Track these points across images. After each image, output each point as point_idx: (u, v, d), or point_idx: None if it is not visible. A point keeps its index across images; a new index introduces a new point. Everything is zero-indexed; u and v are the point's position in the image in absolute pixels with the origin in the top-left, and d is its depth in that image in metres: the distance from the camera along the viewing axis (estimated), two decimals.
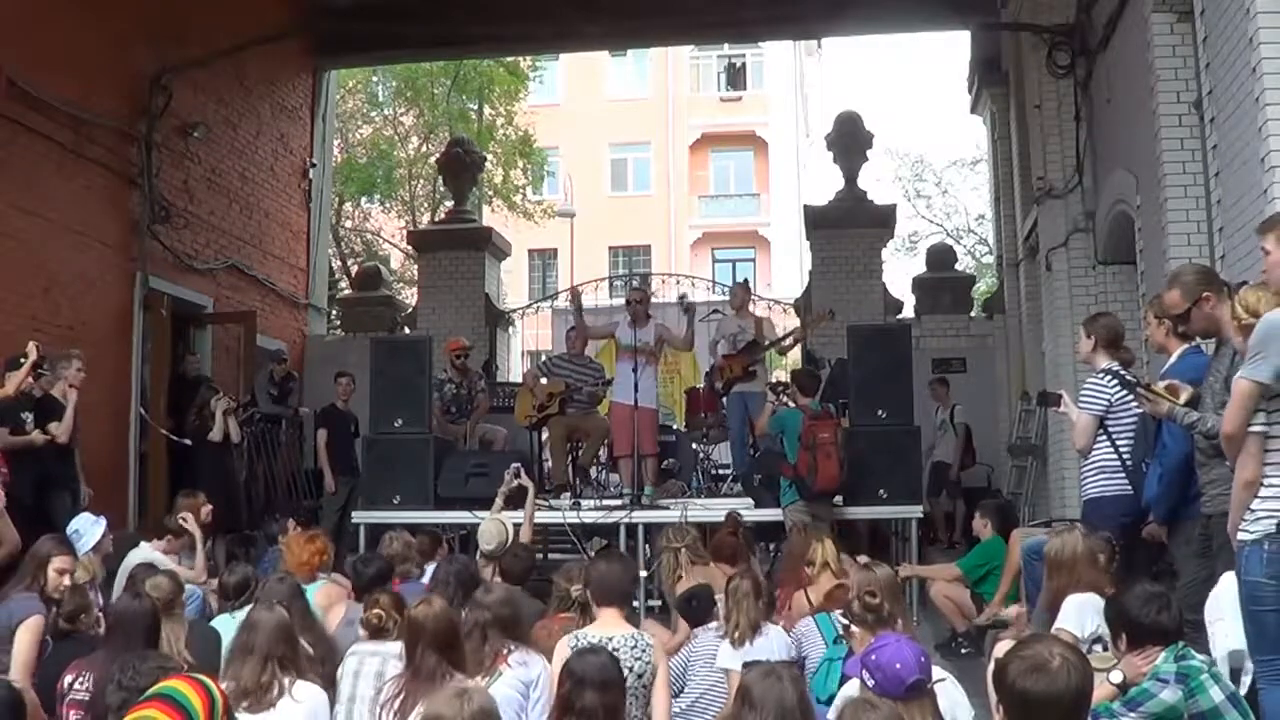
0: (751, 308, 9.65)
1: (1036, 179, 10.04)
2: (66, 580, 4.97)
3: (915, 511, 7.96)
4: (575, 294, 9.19)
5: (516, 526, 6.41)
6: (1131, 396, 4.70)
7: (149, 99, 10.56)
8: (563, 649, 3.84)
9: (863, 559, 5.46)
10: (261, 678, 3.60)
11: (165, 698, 2.52)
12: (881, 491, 7.84)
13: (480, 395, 9.98)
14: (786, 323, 12.57)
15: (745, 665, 3.85)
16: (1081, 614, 4.00)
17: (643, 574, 7.16)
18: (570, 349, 9.40)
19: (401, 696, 3.56)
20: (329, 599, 5.24)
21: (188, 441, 9.39)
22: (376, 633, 4.13)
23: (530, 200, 23.29)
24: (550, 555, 8.37)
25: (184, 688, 2.56)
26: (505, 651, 3.93)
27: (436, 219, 18.02)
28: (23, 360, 7.00)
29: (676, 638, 5.06)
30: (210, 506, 7.34)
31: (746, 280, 12.37)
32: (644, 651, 3.86)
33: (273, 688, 3.60)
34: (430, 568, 5.73)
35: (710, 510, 8.03)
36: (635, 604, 7.05)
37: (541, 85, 25.31)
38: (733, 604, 4.24)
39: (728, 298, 13.78)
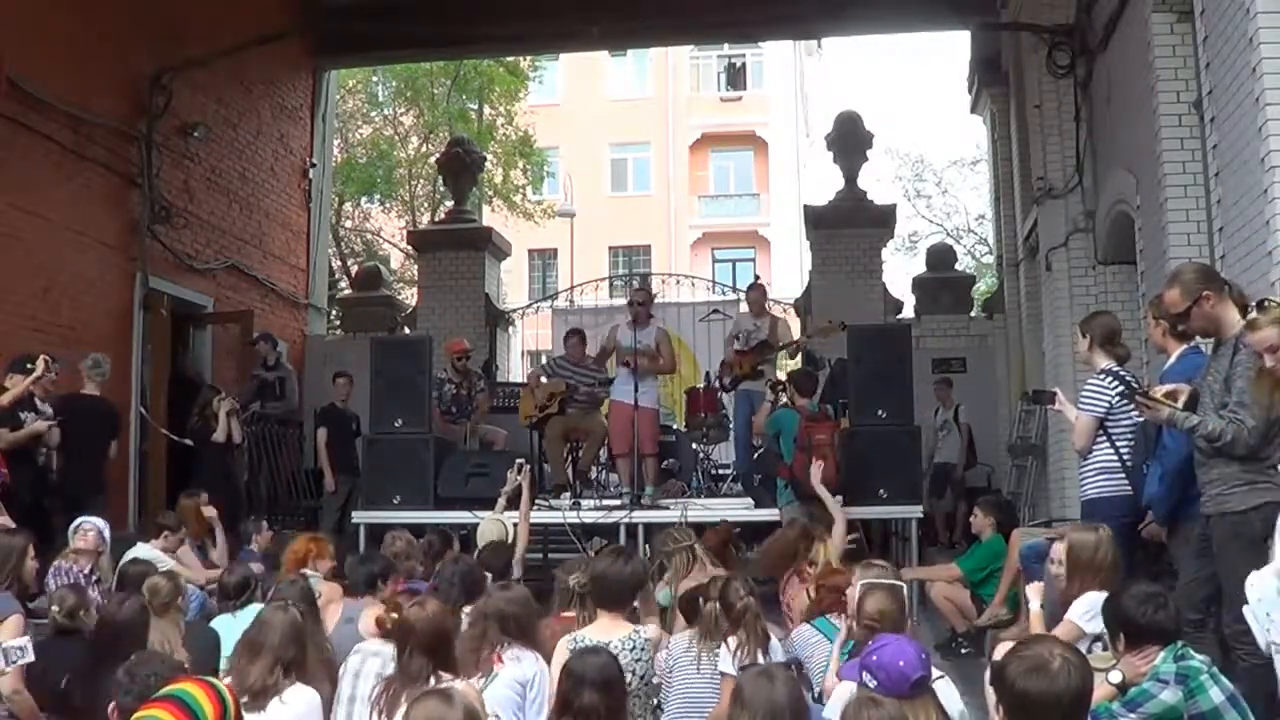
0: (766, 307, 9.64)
1: (1036, 179, 10.03)
2: (35, 563, 5.02)
3: (915, 511, 7.95)
4: (613, 334, 9.06)
5: (517, 526, 6.41)
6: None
7: (149, 99, 10.57)
8: (561, 651, 3.84)
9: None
10: (268, 680, 3.58)
11: (174, 699, 2.50)
12: (881, 491, 7.83)
13: (480, 395, 9.98)
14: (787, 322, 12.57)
15: (742, 668, 3.84)
16: (1094, 611, 3.95)
17: None
18: (570, 355, 9.40)
19: (388, 697, 3.56)
20: (327, 597, 5.24)
21: (188, 442, 9.40)
22: (390, 635, 4.11)
23: (530, 200, 23.29)
24: (550, 555, 8.36)
25: (195, 690, 2.54)
26: (499, 649, 3.93)
27: (436, 219, 18.02)
28: (30, 366, 7.02)
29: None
30: (212, 508, 7.38)
31: (759, 280, 12.29)
32: (643, 651, 3.85)
33: (271, 690, 3.58)
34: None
35: (710, 510, 8.02)
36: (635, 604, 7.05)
37: (541, 85, 25.31)
38: (740, 623, 4.16)
39: (729, 298, 13.88)
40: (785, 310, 13.59)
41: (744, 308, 9.58)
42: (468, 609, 4.46)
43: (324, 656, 4.18)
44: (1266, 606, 3.22)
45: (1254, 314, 3.86)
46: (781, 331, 9.18)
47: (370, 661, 4.00)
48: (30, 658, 4.22)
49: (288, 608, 3.91)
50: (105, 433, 8.18)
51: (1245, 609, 3.29)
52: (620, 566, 4.17)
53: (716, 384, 9.72)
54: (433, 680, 3.51)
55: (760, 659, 4.02)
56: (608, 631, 3.95)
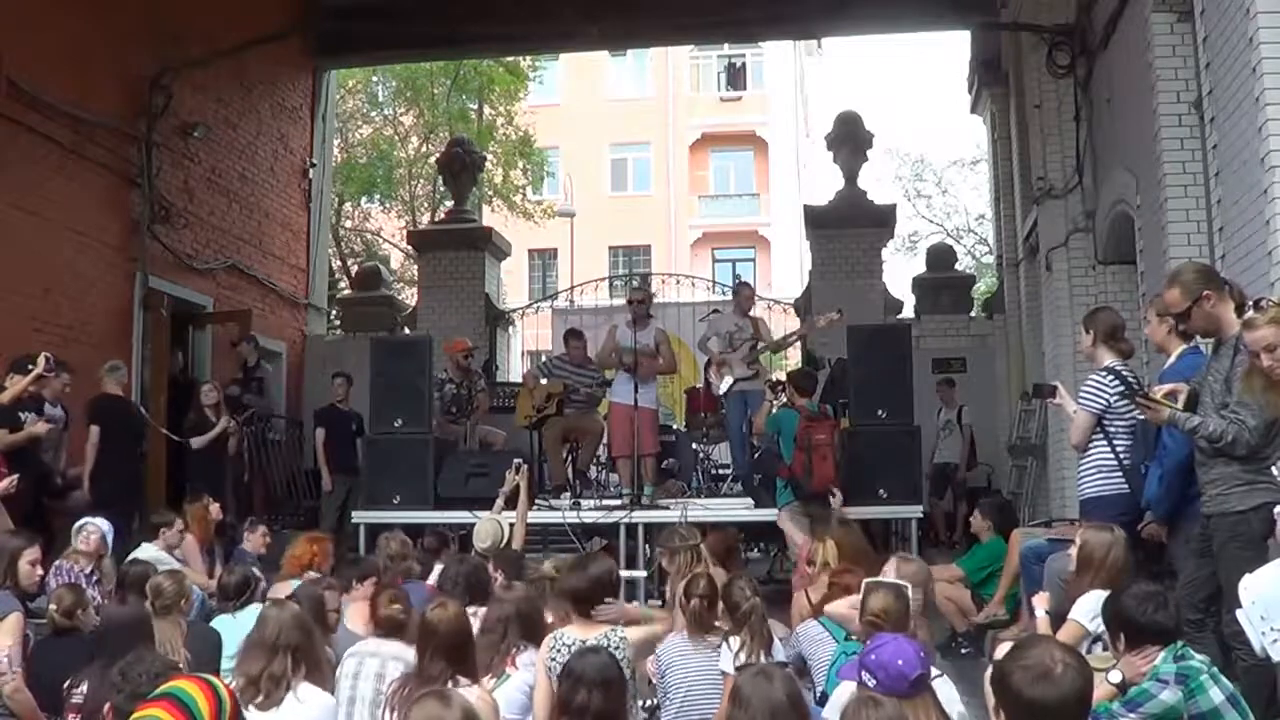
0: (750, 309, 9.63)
1: (1036, 179, 10.03)
2: (39, 571, 4.99)
3: (915, 511, 7.96)
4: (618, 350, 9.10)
5: (513, 526, 6.41)
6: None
7: (149, 99, 10.56)
8: (543, 650, 3.87)
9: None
10: (272, 667, 3.54)
11: (171, 698, 2.51)
12: (881, 491, 7.84)
13: (480, 395, 9.97)
14: (786, 323, 12.57)
15: (739, 668, 3.83)
16: (1098, 610, 3.93)
17: (642, 574, 7.14)
18: (571, 357, 9.39)
19: (401, 696, 3.55)
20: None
21: (189, 442, 9.39)
22: (393, 630, 4.11)
23: (530, 200, 23.28)
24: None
25: (191, 688, 2.55)
26: (514, 652, 3.93)
27: (436, 219, 18.02)
28: (30, 367, 7.01)
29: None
30: (218, 507, 7.43)
31: (745, 280, 12.32)
32: (617, 648, 3.85)
33: (282, 683, 3.54)
34: (438, 567, 5.70)
35: (710, 510, 8.02)
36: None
37: (541, 85, 25.28)
38: (745, 624, 4.15)
39: (730, 298, 13.86)
40: (785, 310, 13.61)
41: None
42: (471, 609, 4.46)
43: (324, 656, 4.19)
44: (1260, 609, 3.21)
45: (1250, 313, 3.85)
46: (763, 330, 9.19)
47: (368, 663, 4.00)
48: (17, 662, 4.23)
49: (284, 604, 3.92)
50: (137, 432, 8.56)
51: (1239, 612, 3.29)
52: (588, 569, 4.22)
53: (705, 385, 9.70)
54: (450, 683, 3.49)
55: (762, 659, 4.01)
56: (586, 630, 3.97)
